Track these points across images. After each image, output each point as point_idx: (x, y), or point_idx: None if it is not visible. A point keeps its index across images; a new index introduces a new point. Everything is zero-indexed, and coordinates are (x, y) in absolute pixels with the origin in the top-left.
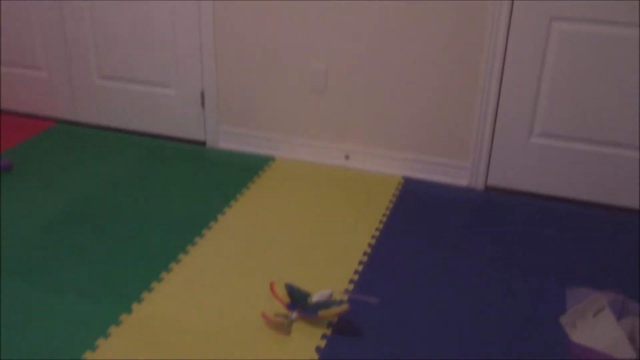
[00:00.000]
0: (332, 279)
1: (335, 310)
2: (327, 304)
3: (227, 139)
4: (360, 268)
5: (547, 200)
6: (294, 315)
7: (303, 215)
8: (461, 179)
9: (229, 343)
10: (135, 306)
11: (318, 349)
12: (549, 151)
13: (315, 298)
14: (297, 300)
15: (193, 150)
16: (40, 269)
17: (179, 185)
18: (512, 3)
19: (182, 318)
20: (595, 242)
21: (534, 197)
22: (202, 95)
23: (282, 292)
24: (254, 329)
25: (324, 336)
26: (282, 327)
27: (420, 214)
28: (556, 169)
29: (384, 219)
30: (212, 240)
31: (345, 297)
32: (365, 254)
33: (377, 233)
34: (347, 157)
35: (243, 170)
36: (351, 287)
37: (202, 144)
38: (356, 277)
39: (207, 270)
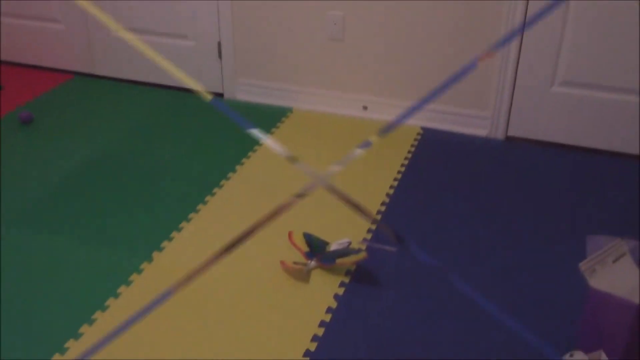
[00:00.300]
0: (350, 228)
1: (353, 258)
2: (345, 252)
3: (245, 91)
4: (379, 217)
5: (568, 150)
6: (312, 263)
7: (321, 165)
8: (481, 129)
9: (247, 290)
10: (155, 255)
11: (336, 297)
12: (571, 100)
13: (333, 247)
14: (315, 248)
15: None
16: (62, 219)
17: (196, 137)
18: None
19: (198, 263)
20: (617, 191)
21: (554, 146)
22: (219, 46)
23: (300, 241)
24: (272, 276)
25: (342, 284)
26: (300, 275)
27: (439, 164)
28: (578, 118)
29: (402, 169)
30: (230, 190)
31: (364, 246)
32: (383, 203)
33: (395, 183)
34: (365, 108)
35: (261, 121)
36: (369, 236)
37: (220, 95)
38: (374, 226)
39: (225, 220)
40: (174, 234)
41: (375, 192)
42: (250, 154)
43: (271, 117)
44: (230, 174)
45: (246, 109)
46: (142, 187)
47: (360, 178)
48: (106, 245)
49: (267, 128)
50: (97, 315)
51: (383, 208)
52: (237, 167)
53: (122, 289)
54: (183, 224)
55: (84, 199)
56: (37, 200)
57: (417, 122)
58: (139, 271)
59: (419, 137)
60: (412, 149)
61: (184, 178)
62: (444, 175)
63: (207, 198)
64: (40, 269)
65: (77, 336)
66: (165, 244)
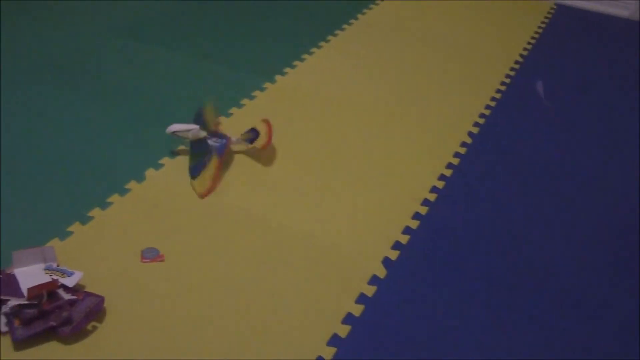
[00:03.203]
0: (466, 105)
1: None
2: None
3: None
4: (494, 104)
5: None
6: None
7: (443, 32)
8: (622, 9)
9: (356, 114)
10: (278, 77)
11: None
12: None
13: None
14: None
15: None
16: (194, 41)
17: None
18: None
19: (319, 89)
20: None
21: None
22: None
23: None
24: (373, 103)
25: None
26: None
27: (570, 45)
28: None
29: (529, 47)
30: (350, 34)
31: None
32: (503, 83)
33: (517, 66)
34: None
35: None
36: (481, 121)
37: None
38: (493, 103)
39: (344, 56)
40: (297, 62)
41: (496, 70)
42: (371, 5)
43: None
44: (358, 15)
45: None
46: (271, 18)
47: (482, 52)
48: (235, 68)
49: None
50: (221, 119)
51: (503, 87)
52: (366, 10)
53: (245, 101)
54: (305, 55)
55: (215, 24)
56: (171, 19)
57: None
58: (262, 89)
59: (551, 13)
60: (543, 26)
61: (314, 12)
62: (574, 58)
63: (329, 37)
64: (174, 80)
65: None
66: (287, 70)
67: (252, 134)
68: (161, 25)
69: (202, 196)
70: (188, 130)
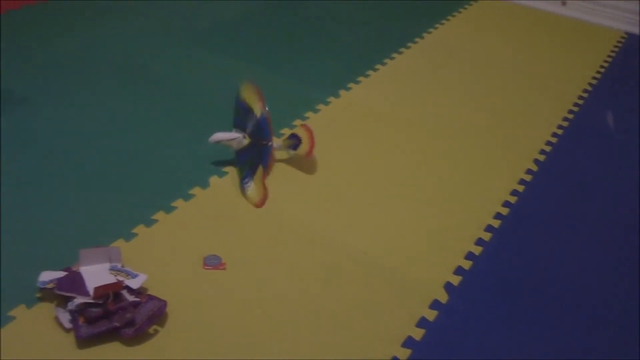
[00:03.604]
0: (532, 132)
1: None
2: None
3: None
4: (561, 132)
5: None
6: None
7: (507, 56)
8: None
9: (418, 134)
10: (342, 92)
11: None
12: None
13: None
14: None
15: None
16: (260, 51)
17: (382, 4)
18: None
19: (381, 106)
20: None
21: None
22: None
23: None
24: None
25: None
26: None
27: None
28: None
29: (598, 75)
30: (414, 52)
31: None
32: (570, 112)
33: (585, 95)
34: (563, 3)
35: (439, 5)
36: (548, 149)
37: None
38: (560, 131)
39: (407, 74)
40: (361, 78)
41: (562, 98)
42: (436, 25)
43: (456, 1)
44: (417, 39)
45: None
46: (338, 34)
47: (549, 78)
48: (302, 80)
49: (444, 15)
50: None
51: (571, 115)
52: (424, 35)
53: (309, 114)
54: (369, 72)
55: (282, 38)
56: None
57: (622, 25)
58: (326, 103)
59: (620, 42)
60: (612, 55)
61: (376, 34)
62: None
63: (394, 55)
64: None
65: None
66: (351, 85)
67: (294, 140)
68: (227, 34)
69: (258, 206)
70: (232, 139)
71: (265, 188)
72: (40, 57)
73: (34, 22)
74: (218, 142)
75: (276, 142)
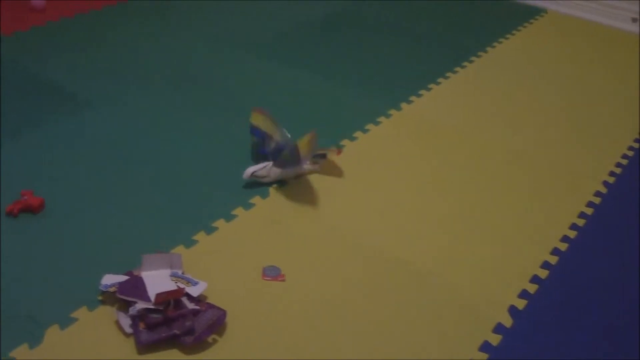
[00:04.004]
0: (601, 152)
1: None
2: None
3: None
4: (631, 154)
5: None
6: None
7: (573, 73)
8: None
9: (482, 151)
10: (404, 105)
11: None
12: None
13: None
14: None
15: None
16: (320, 61)
17: (445, 16)
18: None
19: (443, 121)
20: None
21: None
22: None
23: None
24: (498, 142)
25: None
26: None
27: None
28: None
29: None
30: (478, 67)
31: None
32: (630, 149)
33: None
34: (634, 20)
35: (509, 18)
36: (618, 170)
37: None
38: (631, 153)
39: (470, 90)
40: (423, 91)
41: (624, 124)
42: (495, 44)
43: (520, 15)
44: (480, 53)
45: (496, 4)
46: (400, 44)
47: (612, 97)
48: (363, 91)
49: (516, 24)
50: (345, 142)
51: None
52: (488, 49)
53: (370, 126)
54: (432, 85)
55: (343, 46)
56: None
57: None
58: (387, 115)
59: None
60: None
61: (444, 42)
62: None
63: (457, 69)
64: (304, 99)
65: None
66: (413, 98)
67: (318, 158)
68: (288, 44)
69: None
70: (263, 167)
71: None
72: (104, 60)
73: (105, 24)
74: (252, 174)
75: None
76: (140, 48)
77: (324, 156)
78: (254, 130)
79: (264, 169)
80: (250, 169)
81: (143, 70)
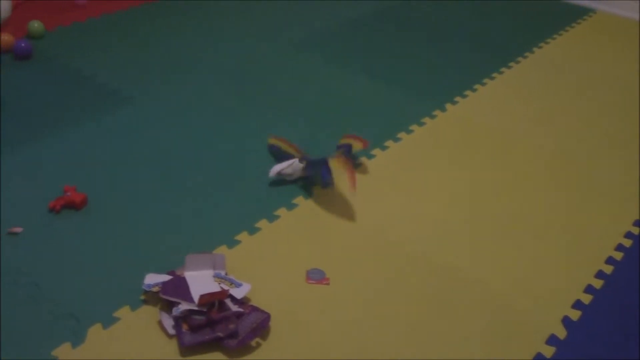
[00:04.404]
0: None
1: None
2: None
3: None
4: None
5: None
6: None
7: (621, 74)
8: None
9: (530, 155)
10: (448, 106)
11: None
12: None
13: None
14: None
15: None
16: (365, 60)
17: (492, 15)
18: None
19: (489, 124)
20: None
21: None
22: None
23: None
24: (547, 146)
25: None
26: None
27: None
28: None
29: None
30: (524, 68)
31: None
32: None
33: None
34: None
35: (556, 18)
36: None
37: None
38: None
39: (517, 91)
40: (468, 92)
41: None
42: (542, 44)
43: (568, 15)
44: (527, 53)
45: (544, 4)
46: (445, 44)
47: None
48: (408, 91)
49: (562, 26)
50: (389, 143)
51: None
52: (535, 49)
53: (414, 127)
54: (477, 86)
55: (384, 43)
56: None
57: None
58: (432, 116)
59: None
60: None
61: (490, 42)
62: None
63: (503, 69)
64: (348, 97)
65: (370, 156)
66: (458, 99)
67: (344, 149)
68: (331, 41)
69: (353, 188)
70: (289, 165)
71: (348, 169)
72: (145, 56)
73: (145, 21)
74: (279, 174)
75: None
76: (181, 45)
77: (349, 148)
78: (272, 148)
79: (290, 167)
80: (277, 167)
81: (185, 67)
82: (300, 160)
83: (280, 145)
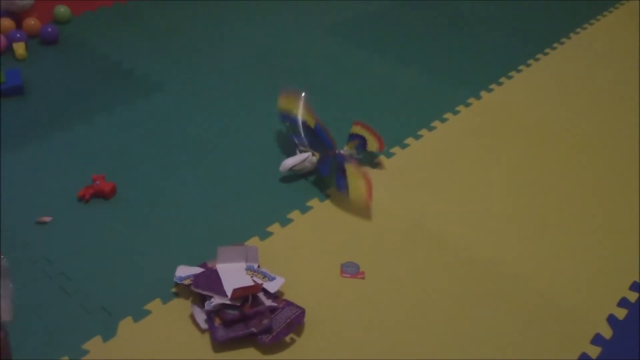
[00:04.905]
0: None
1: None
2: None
3: None
4: None
5: None
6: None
7: None
8: None
9: (569, 145)
10: (484, 94)
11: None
12: None
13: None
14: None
15: None
16: (397, 46)
17: (527, 1)
18: None
19: (526, 112)
20: None
21: None
22: None
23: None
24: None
25: None
26: None
27: None
28: None
29: None
30: (560, 54)
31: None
32: None
33: None
34: None
35: (595, 2)
36: None
37: None
38: None
39: (553, 77)
40: (504, 79)
41: None
42: (586, 25)
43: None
44: (563, 39)
45: None
46: (478, 30)
47: None
48: (442, 79)
49: (599, 11)
50: (423, 132)
51: None
52: (571, 35)
53: (448, 115)
54: (513, 73)
55: (417, 28)
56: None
57: None
58: (467, 104)
59: None
60: None
61: (526, 28)
62: None
63: (539, 56)
64: (377, 86)
65: (403, 146)
66: (493, 86)
67: (358, 140)
68: (365, 27)
69: (368, 201)
70: (302, 161)
71: (365, 179)
72: (173, 42)
73: (173, 6)
74: (291, 169)
75: (344, 150)
76: (210, 30)
77: (363, 143)
78: (285, 117)
79: (302, 162)
80: (289, 163)
81: (214, 52)
82: (314, 154)
83: (290, 110)
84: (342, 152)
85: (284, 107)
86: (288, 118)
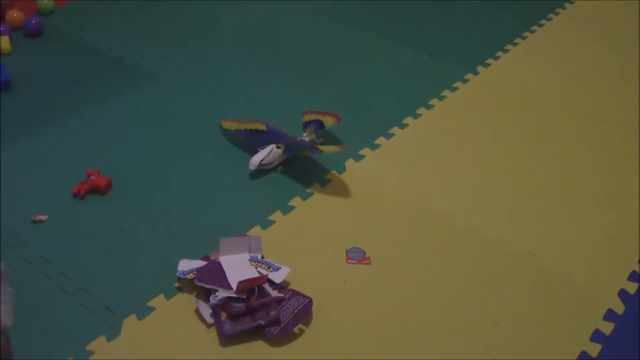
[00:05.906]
0: None
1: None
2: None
3: None
4: None
5: None
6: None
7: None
8: None
9: (573, 118)
10: (480, 69)
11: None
12: None
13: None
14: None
15: None
16: (391, 24)
17: None
18: None
19: (525, 85)
20: None
21: None
22: None
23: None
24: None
25: None
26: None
27: None
28: None
29: None
30: (556, 25)
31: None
32: None
33: None
34: None
35: None
36: None
37: None
38: None
39: (550, 49)
40: (500, 53)
41: None
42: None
43: None
44: (566, 4)
45: None
46: (473, 3)
47: None
48: (436, 56)
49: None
50: (421, 111)
51: None
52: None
53: (446, 92)
54: (509, 46)
55: (412, 12)
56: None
57: None
58: (464, 80)
59: None
60: None
61: (514, 2)
62: None
63: (535, 27)
64: (370, 64)
65: (402, 126)
66: (490, 61)
67: (314, 125)
68: (356, 6)
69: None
70: (269, 154)
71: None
72: (162, 28)
73: None
74: (260, 164)
75: (304, 136)
76: (197, 14)
77: (320, 124)
78: (234, 133)
79: (270, 155)
80: (257, 158)
81: (203, 36)
82: (278, 145)
83: (238, 127)
84: (303, 138)
85: (229, 127)
86: (237, 132)
